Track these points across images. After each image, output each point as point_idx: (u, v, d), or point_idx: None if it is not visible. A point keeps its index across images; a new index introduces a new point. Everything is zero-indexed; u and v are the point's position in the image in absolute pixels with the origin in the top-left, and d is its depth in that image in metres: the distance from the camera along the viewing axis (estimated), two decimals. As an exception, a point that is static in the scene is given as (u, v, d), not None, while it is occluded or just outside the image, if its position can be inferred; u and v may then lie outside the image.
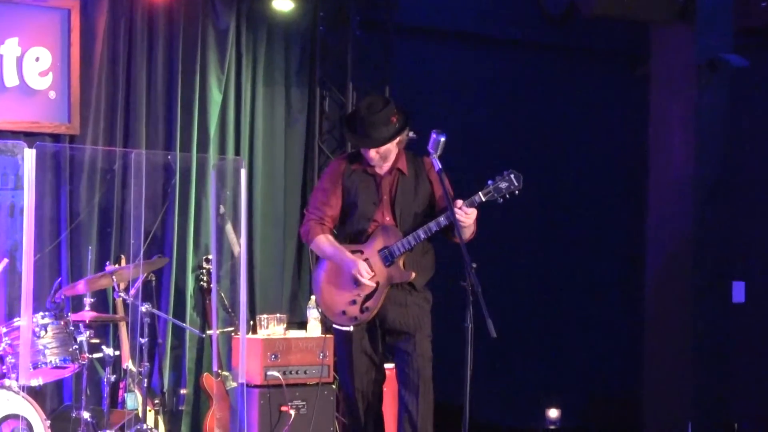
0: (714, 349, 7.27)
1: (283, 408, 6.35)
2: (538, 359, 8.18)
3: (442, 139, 4.82)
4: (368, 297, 5.03)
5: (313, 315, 6.65)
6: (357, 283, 5.03)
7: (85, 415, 5.76)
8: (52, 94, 6.53)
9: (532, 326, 8.18)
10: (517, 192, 4.94)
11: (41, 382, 5.61)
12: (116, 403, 6.18)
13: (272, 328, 6.60)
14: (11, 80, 6.41)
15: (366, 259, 5.05)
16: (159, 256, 6.52)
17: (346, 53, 7.53)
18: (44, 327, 5.50)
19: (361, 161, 5.16)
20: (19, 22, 6.43)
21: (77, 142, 6.58)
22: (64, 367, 5.58)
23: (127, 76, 6.77)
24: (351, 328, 5.05)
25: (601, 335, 8.44)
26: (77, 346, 5.62)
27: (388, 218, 5.08)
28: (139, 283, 6.13)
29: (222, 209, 6.77)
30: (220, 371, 6.55)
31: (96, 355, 5.88)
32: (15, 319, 5.59)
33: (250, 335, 6.57)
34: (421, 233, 4.99)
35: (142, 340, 5.98)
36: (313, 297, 6.64)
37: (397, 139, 5.07)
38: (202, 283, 6.79)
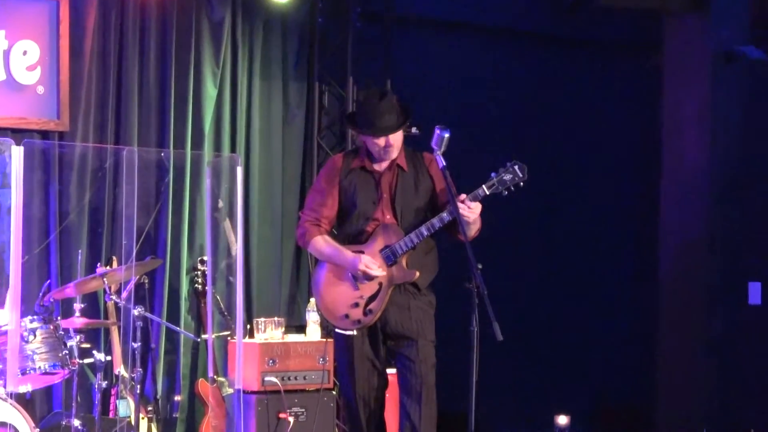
0: (730, 353, 7.28)
1: (282, 415, 6.36)
2: (546, 364, 8.18)
3: (447, 135, 4.83)
4: (371, 299, 5.03)
5: (312, 318, 6.66)
6: (359, 284, 5.03)
7: (76, 422, 5.76)
8: (41, 89, 6.54)
9: (539, 329, 8.18)
10: (522, 183, 4.95)
11: (30, 389, 5.61)
12: (108, 410, 6.19)
13: (270, 331, 6.61)
14: (-3, 75, 6.43)
15: (367, 260, 5.06)
16: (152, 257, 6.53)
17: (345, 46, 7.54)
18: (33, 331, 5.50)
19: (359, 158, 5.17)
20: (6, 14, 6.44)
21: (67, 138, 6.59)
22: (54, 373, 5.58)
23: (119, 71, 6.78)
24: (354, 332, 5.05)
25: (611, 339, 8.44)
26: (67, 351, 5.62)
27: (388, 216, 5.08)
28: (131, 286, 6.14)
29: (221, 203, 6.78)
30: (215, 377, 6.56)
31: (87, 361, 5.89)
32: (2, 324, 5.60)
33: (247, 339, 6.58)
34: (423, 230, 4.99)
35: (135, 345, 5.98)
36: (312, 300, 6.65)
37: (405, 126, 5.09)
38: (196, 285, 6.80)
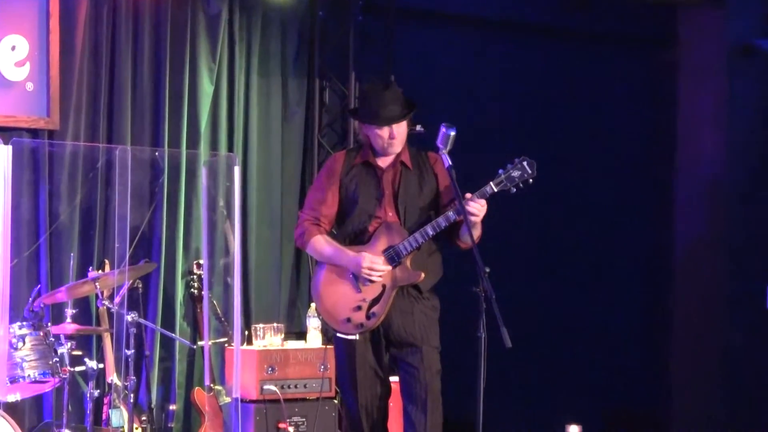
0: (747, 359, 7.28)
1: (281, 425, 6.37)
2: (556, 371, 8.18)
3: (452, 133, 4.83)
4: (374, 301, 5.03)
5: (313, 324, 6.66)
6: (361, 286, 5.03)
7: (67, 433, 5.78)
8: (30, 86, 6.54)
9: (549, 335, 8.17)
10: (531, 180, 4.95)
11: (19, 398, 5.62)
12: (100, 420, 6.19)
13: (269, 338, 6.61)
14: (-15, 71, 6.44)
15: (369, 262, 5.06)
16: (146, 260, 6.53)
17: (347, 40, 7.54)
18: (22, 338, 5.50)
19: (362, 154, 5.17)
20: (-6, 9, 6.46)
21: (57, 137, 6.59)
22: (44, 382, 5.59)
23: (111, 66, 6.78)
24: (356, 337, 5.04)
25: (623, 345, 8.44)
26: (58, 359, 5.62)
27: (390, 214, 5.08)
28: (124, 291, 6.14)
29: (221, 203, 6.78)
30: (212, 385, 6.56)
31: (78, 369, 5.90)
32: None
33: (245, 346, 6.58)
34: (429, 229, 4.98)
35: (128, 352, 5.97)
36: (313, 305, 6.65)
37: (410, 117, 5.09)
38: (192, 289, 6.79)
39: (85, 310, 6.48)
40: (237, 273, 6.20)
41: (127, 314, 5.94)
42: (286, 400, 6.40)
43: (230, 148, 7.14)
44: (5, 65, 6.46)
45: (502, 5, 8.17)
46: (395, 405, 5.41)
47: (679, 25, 7.73)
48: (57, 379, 5.62)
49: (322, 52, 7.53)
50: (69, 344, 5.77)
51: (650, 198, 8.57)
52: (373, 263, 4.96)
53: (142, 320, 6.15)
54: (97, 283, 5.97)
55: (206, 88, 7.05)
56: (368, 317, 5.01)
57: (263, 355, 6.47)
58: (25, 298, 5.93)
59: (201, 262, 6.72)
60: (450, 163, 4.85)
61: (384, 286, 5.01)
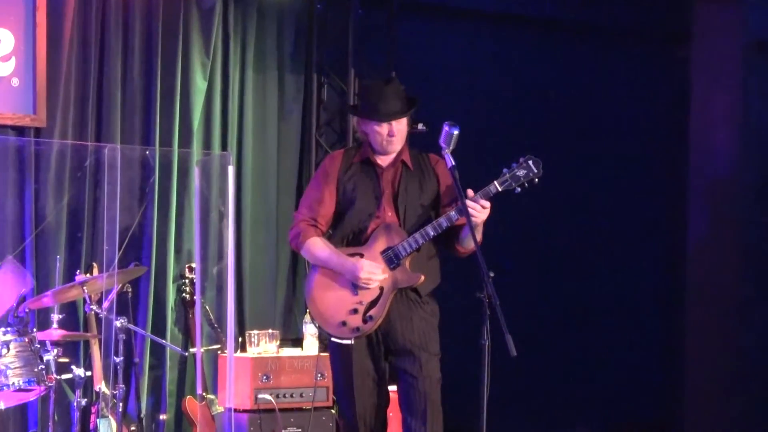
0: (762, 364, 7.28)
1: (276, 436, 6.37)
2: (563, 380, 8.18)
3: (456, 132, 4.83)
4: (372, 304, 5.02)
5: (309, 330, 6.66)
6: (358, 288, 5.02)
7: (53, 443, 5.78)
8: (15, 82, 6.55)
9: (556, 343, 8.17)
10: (536, 180, 4.95)
11: (3, 407, 5.61)
12: (87, 429, 6.19)
13: (263, 345, 6.62)
14: (-31, 66, 6.45)
15: (367, 263, 5.05)
16: (136, 264, 6.53)
17: (346, 34, 7.54)
18: (6, 344, 5.50)
19: (361, 152, 5.17)
20: (-22, 1, 6.46)
21: (44, 135, 6.60)
22: (29, 390, 5.58)
23: (100, 62, 6.78)
24: (351, 342, 5.04)
25: (634, 352, 8.44)
26: (43, 366, 5.62)
27: (390, 214, 5.07)
28: (113, 295, 6.14)
29: (222, 207, 6.79)
30: (204, 394, 6.56)
31: (65, 376, 5.90)
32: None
33: (239, 353, 6.58)
34: (429, 230, 4.98)
35: (117, 359, 5.99)
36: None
37: (411, 114, 5.09)
38: (184, 294, 6.80)
39: (72, 315, 6.48)
40: (231, 277, 6.20)
41: (116, 320, 5.95)
42: (282, 410, 6.40)
43: (224, 147, 7.14)
44: (-10, 60, 6.48)
45: (510, -2, 8.20)
46: (395, 415, 5.40)
47: (692, 20, 7.73)
48: (43, 388, 5.62)
49: (320, 47, 7.53)
50: (55, 351, 5.77)
51: (662, 198, 8.57)
52: (371, 273, 4.96)
53: (131, 326, 6.15)
54: (84, 287, 5.96)
55: (199, 85, 7.05)
56: (365, 321, 5.00)
57: (258, 362, 6.46)
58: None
59: (193, 265, 6.72)
60: (453, 163, 4.85)
61: (382, 289, 5.00)
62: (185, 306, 6.81)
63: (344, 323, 5.02)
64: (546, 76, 8.33)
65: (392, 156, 5.14)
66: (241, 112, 7.26)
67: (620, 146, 8.52)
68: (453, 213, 4.94)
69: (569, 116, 8.37)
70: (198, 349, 6.52)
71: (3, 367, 5.49)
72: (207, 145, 7.11)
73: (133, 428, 6.36)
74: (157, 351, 6.86)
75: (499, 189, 4.94)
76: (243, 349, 6.70)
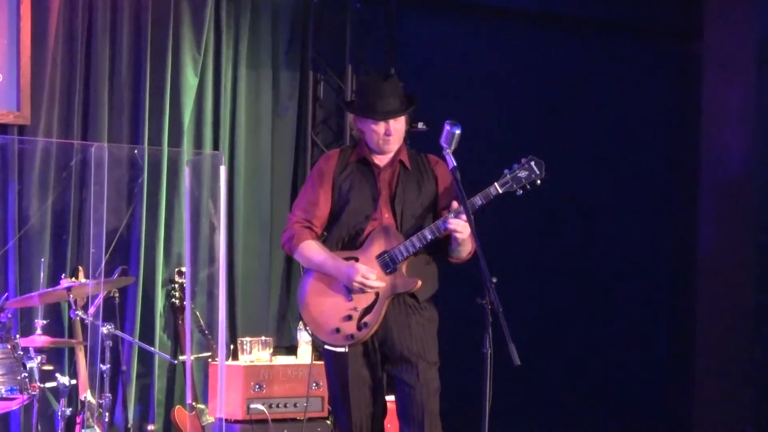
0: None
1: (269, 447, 6.37)
2: (568, 390, 8.18)
3: (457, 131, 4.82)
4: (367, 311, 5.01)
5: (304, 338, 6.66)
6: (353, 294, 5.01)
7: (36, 454, 5.78)
8: (-2, 77, 6.56)
9: (561, 351, 8.18)
10: (539, 182, 4.95)
11: (-16, 416, 5.63)
12: (72, 440, 6.20)
13: (256, 353, 6.61)
14: (-50, 61, 6.45)
15: (363, 268, 5.05)
16: (123, 268, 6.52)
17: (344, 29, 7.55)
18: (-13, 351, 5.51)
19: (357, 152, 5.16)
20: (-41, -7, 6.46)
21: (28, 133, 6.59)
22: (11, 399, 5.58)
23: (87, 57, 6.78)
24: (345, 349, 5.03)
25: (643, 360, 8.45)
26: (26, 374, 5.62)
27: (387, 215, 5.07)
28: (99, 300, 6.13)
29: (212, 209, 6.79)
30: (194, 404, 6.56)
31: (49, 385, 5.88)
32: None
33: (230, 361, 6.57)
34: (427, 233, 4.97)
35: (103, 367, 5.99)
36: (304, 316, 6.65)
37: (409, 113, 5.08)
38: (173, 299, 6.79)
39: (56, 321, 6.49)
40: (222, 282, 6.20)
41: (103, 326, 5.95)
42: (275, 421, 6.39)
43: (216, 146, 7.15)
44: (-28, 55, 6.48)
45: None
46: (392, 426, 5.40)
47: (704, 16, 7.73)
48: (26, 396, 5.61)
49: (316, 42, 7.53)
50: (39, 358, 5.75)
51: (671, 200, 8.58)
52: (365, 277, 4.95)
53: (118, 332, 6.14)
54: (70, 292, 5.95)
55: (190, 81, 7.05)
56: (359, 328, 5.00)
57: (250, 371, 6.46)
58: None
59: (183, 269, 6.71)
60: (455, 163, 4.84)
61: (377, 294, 5.00)
62: (174, 312, 6.80)
63: (338, 330, 5.01)
64: (551, 73, 8.33)
65: (390, 155, 5.13)
66: (233, 110, 7.26)
67: (628, 146, 8.52)
68: (452, 215, 4.94)
69: (575, 115, 8.37)
70: (188, 357, 6.52)
71: (-16, 375, 5.49)
72: (198, 144, 7.11)
73: (119, 439, 6.36)
74: (145, 358, 6.86)
75: (500, 191, 4.94)
76: (234, 356, 6.69)
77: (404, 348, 5.04)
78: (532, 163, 4.96)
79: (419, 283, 5.01)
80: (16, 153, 6.55)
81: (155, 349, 6.74)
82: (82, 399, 6.24)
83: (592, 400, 8.20)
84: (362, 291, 4.98)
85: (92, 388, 6.18)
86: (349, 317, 5.01)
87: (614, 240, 8.45)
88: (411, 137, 5.25)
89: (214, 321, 6.51)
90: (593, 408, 8.18)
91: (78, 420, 6.21)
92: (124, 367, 6.58)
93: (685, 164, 8.20)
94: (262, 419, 6.38)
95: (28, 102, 6.57)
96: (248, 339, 6.67)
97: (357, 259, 5.02)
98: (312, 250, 5.08)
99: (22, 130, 6.60)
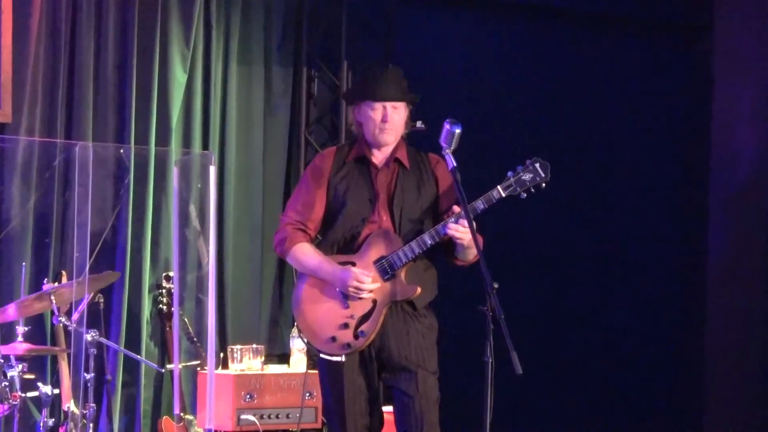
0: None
1: (260, 460, 6.37)
2: (573, 400, 8.18)
3: (458, 130, 4.82)
4: (364, 319, 5.01)
5: (297, 346, 6.66)
6: (349, 301, 5.00)
7: (17, 467, 5.77)
8: (-22, 74, 6.54)
9: (566, 359, 8.17)
10: (544, 185, 4.95)
11: (-38, 427, 5.61)
12: (54, 453, 6.19)
13: (247, 361, 6.61)
14: (-73, 56, 6.44)
15: (359, 273, 5.04)
16: (109, 272, 6.52)
17: (339, 24, 7.54)
18: (-34, 360, 5.50)
19: (355, 150, 5.15)
20: (-63, -14, 6.45)
21: (8, 132, 6.59)
22: (-9, 409, 5.58)
23: (71, 52, 6.77)
24: (342, 359, 5.02)
25: (650, 369, 8.44)
26: (7, 383, 5.63)
27: (385, 218, 5.06)
28: (83, 306, 6.12)
29: (193, 212, 6.78)
30: (182, 414, 6.55)
31: (30, 394, 5.88)
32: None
33: (220, 370, 6.57)
34: (426, 238, 4.97)
35: (87, 376, 5.97)
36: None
37: (409, 102, 5.07)
38: (161, 305, 6.80)
39: (38, 327, 6.47)
40: (212, 287, 6.18)
41: (87, 333, 5.93)
42: (266, 432, 6.40)
43: (205, 146, 7.14)
44: (-50, 50, 6.47)
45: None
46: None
47: (715, 11, 7.73)
48: (6, 406, 5.63)
49: (310, 37, 7.53)
50: (20, 366, 5.76)
51: (681, 202, 8.59)
52: (360, 281, 4.94)
53: (103, 340, 6.13)
54: (52, 297, 5.94)
55: (179, 78, 7.05)
56: (356, 336, 4.99)
57: (240, 380, 6.45)
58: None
59: (171, 274, 6.71)
60: (455, 164, 4.83)
61: (375, 302, 4.99)
62: (162, 318, 6.80)
63: (334, 338, 5.00)
64: (556, 71, 8.33)
65: (387, 153, 5.12)
66: (223, 108, 7.26)
67: (636, 146, 8.52)
68: (452, 220, 4.93)
69: (581, 114, 8.36)
70: (176, 366, 6.51)
71: (-38, 385, 5.48)
72: (187, 143, 7.10)
73: (104, 451, 6.35)
74: (131, 367, 6.85)
75: (503, 195, 4.93)
76: (224, 365, 6.69)
77: (402, 357, 5.04)
78: (537, 165, 4.96)
79: (419, 290, 5.00)
80: (-3, 152, 6.55)
81: (142, 358, 6.73)
82: (65, 409, 6.23)
83: (599, 410, 8.20)
84: (358, 297, 4.97)
85: (76, 397, 6.16)
86: (346, 325, 5.00)
87: (623, 242, 8.44)
88: (410, 137, 5.23)
89: (203, 328, 6.50)
90: (600, 419, 8.17)
91: (61, 431, 6.20)
92: (109, 376, 6.60)
93: (695, 163, 8.20)
94: (253, 431, 6.36)
95: (9, 99, 6.56)
96: (239, 347, 6.67)
97: (354, 264, 5.01)
98: (306, 254, 5.07)
99: (3, 128, 6.60)
